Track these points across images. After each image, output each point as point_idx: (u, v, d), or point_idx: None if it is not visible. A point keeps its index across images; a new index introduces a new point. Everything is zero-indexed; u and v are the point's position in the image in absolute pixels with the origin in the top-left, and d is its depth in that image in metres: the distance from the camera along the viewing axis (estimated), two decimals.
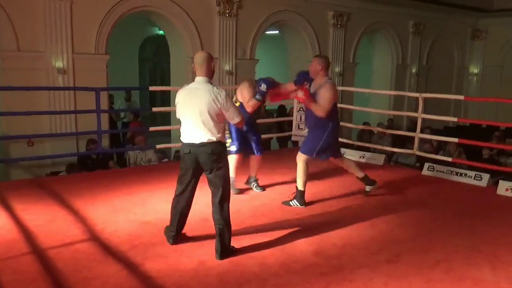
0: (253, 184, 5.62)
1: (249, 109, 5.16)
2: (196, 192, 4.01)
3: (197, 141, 3.60)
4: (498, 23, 15.53)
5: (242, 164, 5.43)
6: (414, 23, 13.92)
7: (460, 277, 3.38)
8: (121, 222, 4.40)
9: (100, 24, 8.36)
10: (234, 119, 3.69)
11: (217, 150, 3.61)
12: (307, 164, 4.97)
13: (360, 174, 5.26)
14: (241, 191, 5.43)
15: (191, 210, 4.01)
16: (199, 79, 3.62)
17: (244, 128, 5.01)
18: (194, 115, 3.56)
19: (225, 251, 3.62)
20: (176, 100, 3.74)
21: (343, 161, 5.30)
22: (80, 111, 7.79)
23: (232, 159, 5.15)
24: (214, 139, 3.59)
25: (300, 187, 4.97)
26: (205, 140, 3.58)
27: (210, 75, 3.63)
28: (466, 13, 14.95)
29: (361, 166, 5.59)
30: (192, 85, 3.66)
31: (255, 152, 5.44)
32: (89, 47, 8.34)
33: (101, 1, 8.32)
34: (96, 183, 5.79)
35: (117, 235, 4.07)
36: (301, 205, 4.93)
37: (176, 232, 3.89)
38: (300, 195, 4.98)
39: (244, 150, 5.36)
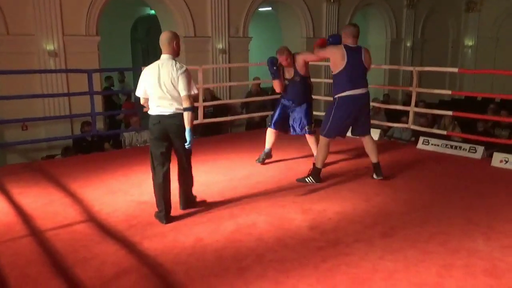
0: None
1: (277, 90, 5.67)
2: (193, 172, 4.22)
3: (165, 112, 3.86)
4: None
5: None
6: None
7: (455, 248, 3.42)
8: (118, 203, 4.42)
9: (90, 5, 8.24)
10: (182, 91, 3.82)
11: (181, 119, 3.86)
12: (328, 143, 5.01)
13: (374, 160, 5.05)
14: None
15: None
16: (164, 57, 3.91)
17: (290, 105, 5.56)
18: (161, 88, 3.83)
19: (189, 202, 4.22)
20: (142, 77, 3.95)
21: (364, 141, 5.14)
22: (73, 93, 7.75)
23: (267, 132, 5.77)
24: (181, 110, 3.85)
25: (318, 165, 5.01)
26: (172, 111, 3.85)
27: (172, 53, 3.91)
28: None
29: (356, 140, 5.57)
30: (157, 61, 3.92)
31: (291, 131, 5.67)
32: (79, 29, 8.23)
33: None
34: (92, 165, 5.79)
35: (115, 215, 4.10)
36: (316, 182, 4.94)
37: (166, 211, 3.97)
38: (316, 172, 5.00)
39: (281, 127, 5.68)
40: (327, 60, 5.03)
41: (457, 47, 16.37)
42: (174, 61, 3.88)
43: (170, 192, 4.02)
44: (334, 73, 4.84)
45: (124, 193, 4.72)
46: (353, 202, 4.37)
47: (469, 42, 16.42)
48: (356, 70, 4.75)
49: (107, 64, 10.16)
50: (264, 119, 9.36)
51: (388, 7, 13.49)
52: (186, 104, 3.82)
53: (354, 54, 4.75)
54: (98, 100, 8.24)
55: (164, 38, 3.90)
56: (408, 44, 14.29)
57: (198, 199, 4.38)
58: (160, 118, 3.87)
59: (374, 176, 5.04)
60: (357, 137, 5.15)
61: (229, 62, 10.11)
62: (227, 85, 9.91)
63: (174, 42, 3.91)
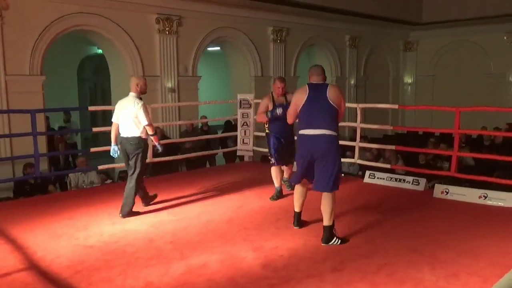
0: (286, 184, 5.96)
1: (257, 120, 5.93)
2: (142, 213, 4.99)
3: (125, 135, 5.20)
4: (428, 35, 16.47)
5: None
6: (350, 37, 14.47)
7: (402, 279, 3.51)
8: (62, 248, 4.24)
9: (34, 44, 8.09)
10: (141, 122, 5.15)
11: (135, 141, 5.17)
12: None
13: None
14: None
15: (137, 231, 4.56)
16: (130, 94, 5.27)
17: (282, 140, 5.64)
18: (124, 117, 5.19)
19: (128, 211, 5.17)
20: (115, 107, 5.36)
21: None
22: (15, 134, 7.46)
23: (272, 170, 5.82)
24: (136, 134, 5.16)
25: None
26: (129, 135, 5.17)
27: (135, 91, 5.26)
28: (398, 26, 15.74)
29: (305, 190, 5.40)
30: (125, 97, 5.30)
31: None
32: (23, 68, 8.03)
33: (34, 20, 8.06)
34: (35, 208, 5.56)
35: (58, 261, 3.92)
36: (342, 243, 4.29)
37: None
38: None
39: (285, 160, 5.72)
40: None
41: (398, 84, 17.24)
42: (134, 98, 5.20)
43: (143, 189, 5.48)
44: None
45: (69, 237, 4.54)
46: (304, 238, 4.41)
47: (408, 80, 17.34)
48: (316, 109, 4.24)
49: (53, 104, 9.91)
50: (206, 157, 9.37)
51: (332, 46, 14.08)
52: (150, 132, 5.25)
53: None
54: (42, 141, 7.97)
55: (131, 81, 5.34)
56: (352, 82, 14.90)
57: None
58: (122, 139, 5.21)
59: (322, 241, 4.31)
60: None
61: (179, 101, 10.13)
62: (176, 124, 9.88)
63: (137, 84, 5.25)
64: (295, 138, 5.16)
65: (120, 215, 5.15)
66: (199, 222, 4.96)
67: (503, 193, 5.60)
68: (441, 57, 16.56)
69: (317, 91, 4.25)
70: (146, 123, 5.15)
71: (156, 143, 5.47)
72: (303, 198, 4.67)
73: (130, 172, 5.26)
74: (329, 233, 4.24)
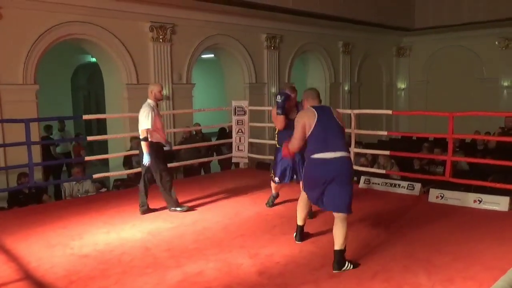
0: None
1: (277, 126, 5.30)
2: (137, 221, 4.99)
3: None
4: (420, 41, 16.59)
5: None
6: (343, 43, 14.55)
7: (398, 284, 3.51)
8: (57, 257, 4.22)
9: (28, 53, 8.07)
10: (140, 126, 5.37)
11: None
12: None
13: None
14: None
15: (133, 239, 4.66)
16: (147, 101, 5.52)
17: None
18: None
19: (174, 204, 5.65)
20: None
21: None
22: (8, 144, 7.41)
23: (272, 185, 5.66)
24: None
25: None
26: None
27: (150, 98, 5.51)
28: (390, 32, 15.83)
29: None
30: None
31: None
32: (16, 78, 8.01)
33: (27, 30, 8.05)
34: (30, 218, 5.52)
35: (53, 271, 3.89)
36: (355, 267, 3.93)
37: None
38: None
39: (291, 176, 5.35)
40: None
41: (391, 90, 17.32)
42: (147, 103, 5.45)
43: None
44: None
45: (64, 246, 4.51)
46: (300, 245, 4.41)
47: (401, 85, 17.43)
48: (330, 130, 4.00)
49: (47, 113, 9.89)
50: (201, 164, 9.35)
51: (326, 53, 14.15)
52: (141, 135, 5.37)
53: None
54: (36, 150, 7.94)
55: (148, 89, 5.57)
56: (346, 88, 14.96)
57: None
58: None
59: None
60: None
61: (173, 109, 10.13)
62: (171, 132, 9.87)
63: (151, 91, 5.49)
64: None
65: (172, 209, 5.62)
66: (195, 229, 4.95)
67: (498, 197, 5.63)
68: (434, 62, 16.68)
69: (324, 112, 4.02)
70: (143, 127, 5.31)
71: (145, 151, 5.35)
72: (307, 209, 4.49)
73: (155, 178, 5.55)
74: (341, 258, 3.87)
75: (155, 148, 5.45)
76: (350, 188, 3.96)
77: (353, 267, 3.86)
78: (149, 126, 5.31)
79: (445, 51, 16.29)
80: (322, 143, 3.91)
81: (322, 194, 3.98)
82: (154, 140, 5.44)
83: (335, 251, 3.87)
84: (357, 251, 4.22)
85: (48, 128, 10.05)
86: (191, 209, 5.72)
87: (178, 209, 5.63)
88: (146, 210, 5.63)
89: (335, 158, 3.87)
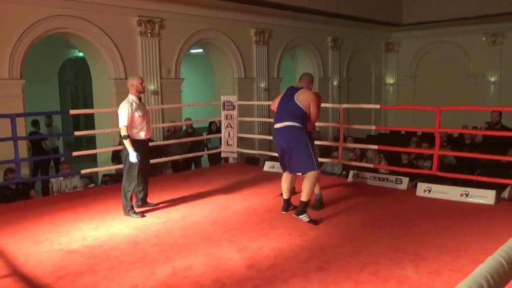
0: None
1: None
2: (126, 216, 5.00)
3: None
4: (408, 36, 16.69)
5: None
6: (332, 38, 14.58)
7: (386, 277, 3.54)
8: (45, 253, 4.18)
9: (13, 47, 7.98)
10: (119, 124, 5.17)
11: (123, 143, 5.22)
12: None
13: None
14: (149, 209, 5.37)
15: (122, 234, 4.64)
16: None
17: None
18: None
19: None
20: None
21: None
22: None
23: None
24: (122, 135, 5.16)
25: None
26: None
27: (132, 92, 5.27)
28: (379, 28, 15.91)
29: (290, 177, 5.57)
30: None
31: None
32: (2, 72, 7.91)
33: (13, 23, 7.95)
34: (16, 214, 5.47)
35: (41, 267, 3.86)
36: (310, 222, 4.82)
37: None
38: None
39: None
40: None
41: (380, 85, 17.42)
42: (127, 99, 5.22)
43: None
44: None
45: (52, 242, 4.48)
46: (288, 238, 4.42)
47: (390, 80, 17.53)
48: (286, 106, 4.96)
49: (34, 108, 9.79)
50: (191, 160, 9.32)
51: (315, 48, 14.17)
52: (121, 133, 5.15)
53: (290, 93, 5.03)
54: (23, 145, 7.87)
55: (127, 83, 5.33)
56: (335, 83, 15.00)
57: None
58: None
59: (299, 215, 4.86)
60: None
61: (162, 103, 10.08)
62: (160, 126, 9.84)
63: (132, 85, 5.24)
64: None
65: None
66: (184, 224, 4.95)
67: (484, 190, 5.70)
68: (422, 57, 16.79)
69: (291, 92, 4.99)
70: (120, 124, 5.11)
71: (129, 149, 5.10)
72: (287, 183, 5.17)
73: (124, 176, 5.35)
74: (302, 208, 4.82)
75: (137, 145, 5.18)
76: (304, 149, 4.80)
77: (309, 221, 4.74)
78: (124, 123, 5.09)
79: (433, 47, 16.40)
80: (277, 116, 5.00)
81: (287, 161, 4.97)
82: (134, 137, 5.19)
83: (300, 201, 4.84)
84: (345, 244, 4.25)
85: (35, 123, 9.96)
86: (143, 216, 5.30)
87: (134, 215, 5.23)
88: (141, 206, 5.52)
89: (280, 127, 4.90)
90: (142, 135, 5.29)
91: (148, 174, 5.68)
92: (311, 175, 4.82)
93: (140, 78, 5.35)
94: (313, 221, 4.78)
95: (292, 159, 4.91)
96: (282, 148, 4.97)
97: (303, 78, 5.22)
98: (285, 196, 5.23)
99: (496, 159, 6.47)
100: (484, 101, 14.58)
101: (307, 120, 4.94)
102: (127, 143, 5.12)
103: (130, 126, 5.15)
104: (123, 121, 5.11)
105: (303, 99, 4.91)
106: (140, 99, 5.32)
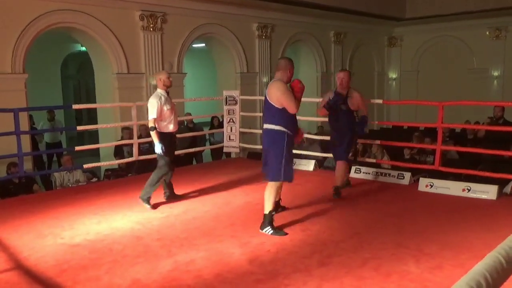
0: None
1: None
2: (128, 211, 4.94)
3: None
4: (411, 31, 16.61)
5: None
6: (335, 33, 14.53)
7: (388, 272, 3.55)
8: (48, 247, 4.21)
9: (16, 42, 7.98)
10: (148, 116, 5.34)
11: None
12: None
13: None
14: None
15: (124, 229, 4.64)
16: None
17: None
18: None
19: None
20: None
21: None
22: None
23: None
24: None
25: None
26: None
27: (159, 86, 5.45)
28: (382, 22, 15.84)
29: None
30: None
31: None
32: (4, 67, 7.92)
33: (16, 18, 7.95)
34: (20, 208, 5.50)
35: (44, 261, 3.89)
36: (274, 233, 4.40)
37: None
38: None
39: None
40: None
41: (383, 80, 17.37)
42: (155, 93, 5.43)
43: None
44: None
45: (55, 236, 4.50)
46: (290, 233, 4.43)
47: (393, 75, 17.48)
48: (265, 106, 4.56)
49: (36, 102, 9.80)
50: (192, 155, 9.33)
51: (317, 43, 14.13)
52: (149, 125, 5.32)
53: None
54: (26, 140, 7.89)
55: (155, 79, 5.58)
56: None
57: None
58: None
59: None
60: None
61: None
62: None
63: (160, 79, 5.42)
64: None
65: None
66: (186, 219, 4.96)
67: (486, 185, 5.69)
68: (425, 52, 16.72)
69: (267, 89, 4.54)
70: (149, 117, 5.28)
71: (155, 140, 5.28)
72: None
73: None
74: (264, 221, 4.44)
75: (164, 137, 5.35)
76: (273, 157, 4.39)
77: (272, 233, 4.35)
78: (153, 115, 5.26)
79: (435, 41, 16.34)
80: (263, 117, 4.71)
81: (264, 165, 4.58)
82: (163, 130, 5.37)
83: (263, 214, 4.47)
84: (347, 239, 4.26)
85: (30, 118, 9.95)
86: (154, 208, 5.40)
87: (146, 204, 5.36)
88: (169, 196, 5.68)
89: (263, 130, 4.54)
90: (170, 127, 5.47)
91: (173, 166, 5.75)
92: (272, 184, 4.43)
93: (167, 73, 5.57)
94: (278, 232, 4.36)
95: (267, 164, 4.50)
96: (263, 149, 4.65)
97: (277, 67, 4.59)
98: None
99: (499, 154, 6.46)
100: (487, 96, 14.53)
101: (287, 117, 4.40)
102: (153, 134, 5.28)
103: (159, 119, 5.31)
104: (152, 113, 5.26)
105: (271, 94, 4.41)
106: (168, 93, 5.48)
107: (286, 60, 4.59)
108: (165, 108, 5.33)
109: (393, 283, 3.36)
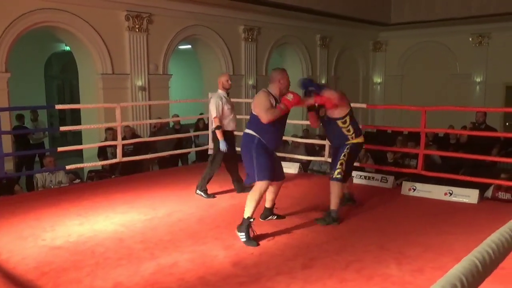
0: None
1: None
2: (111, 213, 4.82)
3: None
4: (396, 36, 16.80)
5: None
6: (321, 37, 14.63)
7: (370, 274, 3.58)
8: (28, 249, 4.15)
9: None
10: (211, 115, 5.86)
11: (213, 134, 5.91)
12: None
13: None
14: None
15: (107, 231, 4.48)
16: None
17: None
18: None
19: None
20: None
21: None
22: None
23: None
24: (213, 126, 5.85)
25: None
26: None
27: (220, 88, 5.84)
28: (367, 27, 16.00)
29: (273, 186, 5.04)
30: None
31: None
32: None
33: None
34: (0, 209, 5.40)
35: (25, 263, 3.83)
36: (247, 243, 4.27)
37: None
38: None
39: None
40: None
41: (367, 84, 17.53)
42: (216, 93, 5.80)
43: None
44: None
45: (36, 238, 4.44)
46: (274, 235, 4.44)
47: (377, 79, 17.65)
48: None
49: (19, 102, 9.67)
50: (178, 156, 9.29)
51: (303, 46, 14.20)
52: (213, 124, 5.74)
53: None
54: (7, 140, 7.78)
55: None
56: (324, 81, 15.05)
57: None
58: None
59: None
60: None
61: (149, 99, 10.03)
62: (147, 123, 9.79)
63: (219, 81, 5.81)
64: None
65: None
66: (170, 221, 4.94)
67: (468, 189, 5.77)
68: (409, 57, 16.93)
69: None
70: (213, 115, 5.66)
71: (220, 138, 5.64)
72: (272, 193, 4.85)
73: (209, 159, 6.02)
74: (242, 224, 4.32)
75: (225, 136, 5.71)
76: (247, 160, 4.49)
77: (245, 242, 4.20)
78: (215, 114, 5.62)
79: (420, 47, 16.54)
80: None
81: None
82: (225, 129, 5.72)
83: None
84: (330, 242, 4.28)
85: (20, 117, 9.84)
86: (213, 196, 5.90)
87: (205, 195, 5.86)
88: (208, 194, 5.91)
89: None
90: (230, 126, 5.83)
91: (235, 163, 6.00)
92: (255, 187, 4.41)
93: (227, 75, 5.93)
94: (251, 242, 4.20)
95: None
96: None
97: (270, 78, 4.68)
98: (266, 204, 4.90)
99: (480, 159, 6.56)
100: (470, 101, 14.76)
101: (265, 125, 4.40)
102: (218, 133, 5.65)
103: (220, 117, 5.68)
104: (214, 112, 5.65)
105: (253, 104, 4.54)
106: (228, 94, 5.85)
107: (276, 71, 4.66)
108: (225, 107, 5.72)
109: (375, 285, 3.38)
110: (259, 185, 4.40)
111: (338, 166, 4.84)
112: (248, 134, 4.54)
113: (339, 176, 4.81)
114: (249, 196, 4.40)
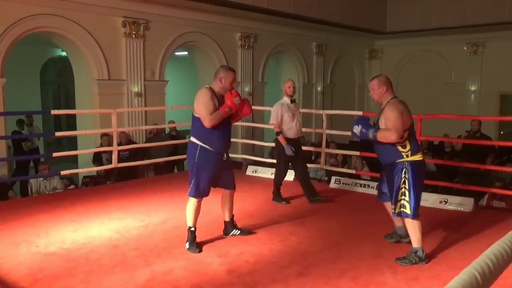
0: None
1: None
2: (106, 219, 4.70)
3: None
4: (392, 44, 16.88)
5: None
6: (317, 44, 14.68)
7: (365, 283, 3.57)
8: (22, 255, 4.12)
9: None
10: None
11: (276, 140, 5.98)
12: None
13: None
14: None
15: (101, 237, 4.43)
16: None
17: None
18: None
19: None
20: None
21: None
22: None
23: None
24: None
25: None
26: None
27: (285, 94, 5.90)
28: (363, 35, 16.07)
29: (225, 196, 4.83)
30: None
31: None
32: None
33: None
34: None
35: (18, 270, 3.80)
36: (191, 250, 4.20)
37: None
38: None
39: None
40: None
41: (363, 91, 17.57)
42: (281, 100, 5.86)
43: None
44: None
45: (29, 244, 4.41)
46: (269, 243, 4.43)
47: None
48: None
49: (15, 107, 9.63)
50: (173, 162, 9.26)
51: (299, 53, 14.24)
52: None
53: None
54: (2, 145, 7.74)
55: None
56: (319, 89, 15.10)
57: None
58: None
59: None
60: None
61: (145, 106, 10.02)
62: (143, 129, 9.77)
63: (283, 88, 5.90)
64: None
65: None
66: (165, 228, 4.92)
67: (463, 198, 5.79)
68: (405, 65, 17.00)
69: None
70: (271, 121, 5.80)
71: (283, 143, 5.71)
72: (222, 204, 4.69)
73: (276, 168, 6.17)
74: (188, 236, 4.25)
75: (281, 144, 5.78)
76: (190, 170, 4.29)
77: (188, 247, 4.17)
78: (273, 121, 5.75)
79: (415, 55, 16.62)
80: None
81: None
82: (285, 136, 5.77)
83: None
84: (326, 250, 4.27)
85: (20, 123, 9.79)
86: (288, 202, 5.94)
87: (283, 202, 5.91)
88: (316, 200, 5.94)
89: None
90: (290, 134, 5.82)
91: (303, 170, 6.03)
92: (188, 202, 4.31)
93: (290, 82, 5.91)
94: (191, 248, 4.19)
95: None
96: None
97: (215, 73, 4.37)
98: (224, 217, 4.72)
99: (475, 167, 6.58)
100: (465, 110, 14.81)
101: (209, 132, 4.13)
102: (280, 138, 5.76)
103: (280, 124, 5.74)
104: (272, 119, 5.77)
105: (196, 103, 4.21)
106: (293, 101, 5.88)
107: (221, 68, 4.35)
108: (286, 115, 5.75)
109: None
110: (190, 201, 4.31)
111: (399, 197, 3.98)
112: (191, 142, 4.26)
113: (407, 211, 3.94)
114: (186, 208, 4.34)
